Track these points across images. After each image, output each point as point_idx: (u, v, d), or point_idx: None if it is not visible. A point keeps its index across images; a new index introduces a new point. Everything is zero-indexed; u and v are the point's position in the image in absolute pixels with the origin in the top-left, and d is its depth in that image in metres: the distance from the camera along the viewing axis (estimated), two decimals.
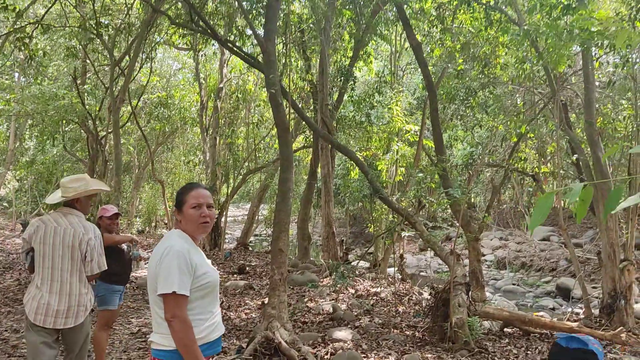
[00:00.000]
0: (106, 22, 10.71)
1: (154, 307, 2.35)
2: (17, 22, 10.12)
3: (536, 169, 14.30)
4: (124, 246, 4.92)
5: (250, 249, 16.27)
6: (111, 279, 4.74)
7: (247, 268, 11.47)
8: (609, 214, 7.18)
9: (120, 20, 11.57)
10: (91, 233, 3.67)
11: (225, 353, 5.53)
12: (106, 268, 3.78)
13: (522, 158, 13.02)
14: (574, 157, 9.15)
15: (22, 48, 8.97)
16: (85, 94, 12.65)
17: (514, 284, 14.11)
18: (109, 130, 12.50)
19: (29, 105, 12.91)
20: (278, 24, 8.31)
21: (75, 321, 3.57)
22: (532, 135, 11.78)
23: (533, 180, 14.78)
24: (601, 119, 10.04)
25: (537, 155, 14.21)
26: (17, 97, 13.33)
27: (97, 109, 12.62)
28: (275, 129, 9.11)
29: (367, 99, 12.28)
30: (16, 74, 20.11)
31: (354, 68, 12.45)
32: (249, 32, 10.77)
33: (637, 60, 8.21)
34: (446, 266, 7.98)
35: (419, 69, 10.07)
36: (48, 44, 14.02)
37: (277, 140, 13.04)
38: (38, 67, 12.45)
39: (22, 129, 19.96)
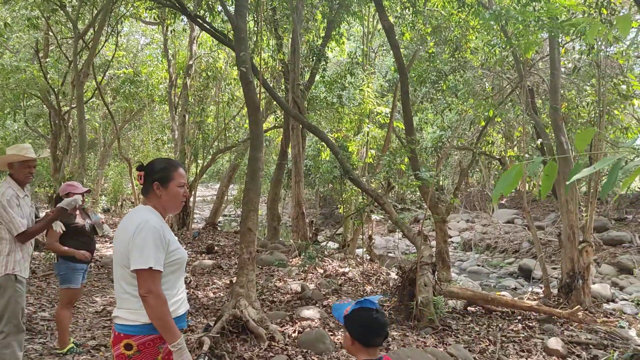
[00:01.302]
0: None
1: (121, 283, 2.32)
2: None
3: (503, 152, 14.62)
4: (87, 221, 4.81)
5: (219, 228, 16.18)
6: (73, 257, 4.65)
7: (216, 248, 11.42)
8: (570, 196, 7.39)
9: None
10: None
11: (193, 331, 5.52)
12: (23, 230, 3.71)
13: (490, 142, 13.27)
14: (539, 142, 9.35)
15: None
16: (48, 68, 12.21)
17: (478, 265, 14.47)
18: (73, 106, 12.13)
19: None
20: (249, 0, 8.16)
21: None
22: (499, 119, 12.00)
23: (499, 164, 15.11)
24: (566, 104, 10.27)
25: (504, 139, 14.51)
26: None
27: (60, 83, 12.21)
28: (246, 108, 9.02)
29: (339, 80, 12.25)
30: None
31: (326, 48, 12.37)
32: (219, 8, 10.54)
33: (602, 47, 8.40)
34: (414, 247, 8.11)
35: (391, 51, 10.07)
36: (9, 14, 13.44)
37: (247, 120, 12.88)
38: None
39: None
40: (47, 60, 12.46)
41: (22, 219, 3.74)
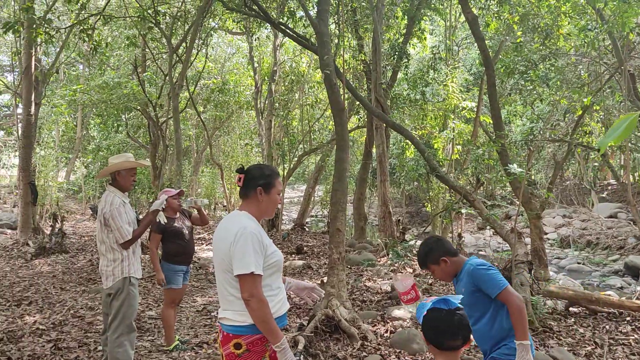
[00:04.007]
0: (164, 11, 11.00)
1: (225, 286, 2.45)
2: (81, 14, 10.55)
3: None
4: (186, 224, 5.13)
5: (306, 229, 16.47)
6: (173, 259, 5.00)
7: (305, 248, 11.65)
8: None
9: (177, 8, 11.85)
10: (107, 206, 3.94)
11: (287, 330, 5.69)
12: (129, 237, 3.94)
13: (587, 132, 12.46)
14: None
15: (86, 39, 9.35)
16: (146, 82, 13.07)
17: (579, 263, 13.61)
18: (169, 116, 12.91)
19: (94, 95, 13.49)
20: (330, 3, 8.26)
21: (105, 284, 4.00)
22: (597, 107, 11.24)
23: (599, 155, 14.14)
24: None
25: (603, 128, 13.56)
26: (83, 88, 13.95)
27: (157, 96, 13.05)
28: (330, 110, 9.13)
29: (422, 77, 12.06)
30: (80, 65, 21.07)
31: (408, 45, 12.22)
32: (301, 13, 10.78)
33: None
34: (506, 245, 7.82)
35: (475, 44, 9.77)
36: (110, 34, 14.56)
37: (331, 121, 13.05)
38: (100, 57, 12.93)
39: (87, 118, 20.97)
40: (145, 75, 13.34)
41: (129, 227, 3.99)
